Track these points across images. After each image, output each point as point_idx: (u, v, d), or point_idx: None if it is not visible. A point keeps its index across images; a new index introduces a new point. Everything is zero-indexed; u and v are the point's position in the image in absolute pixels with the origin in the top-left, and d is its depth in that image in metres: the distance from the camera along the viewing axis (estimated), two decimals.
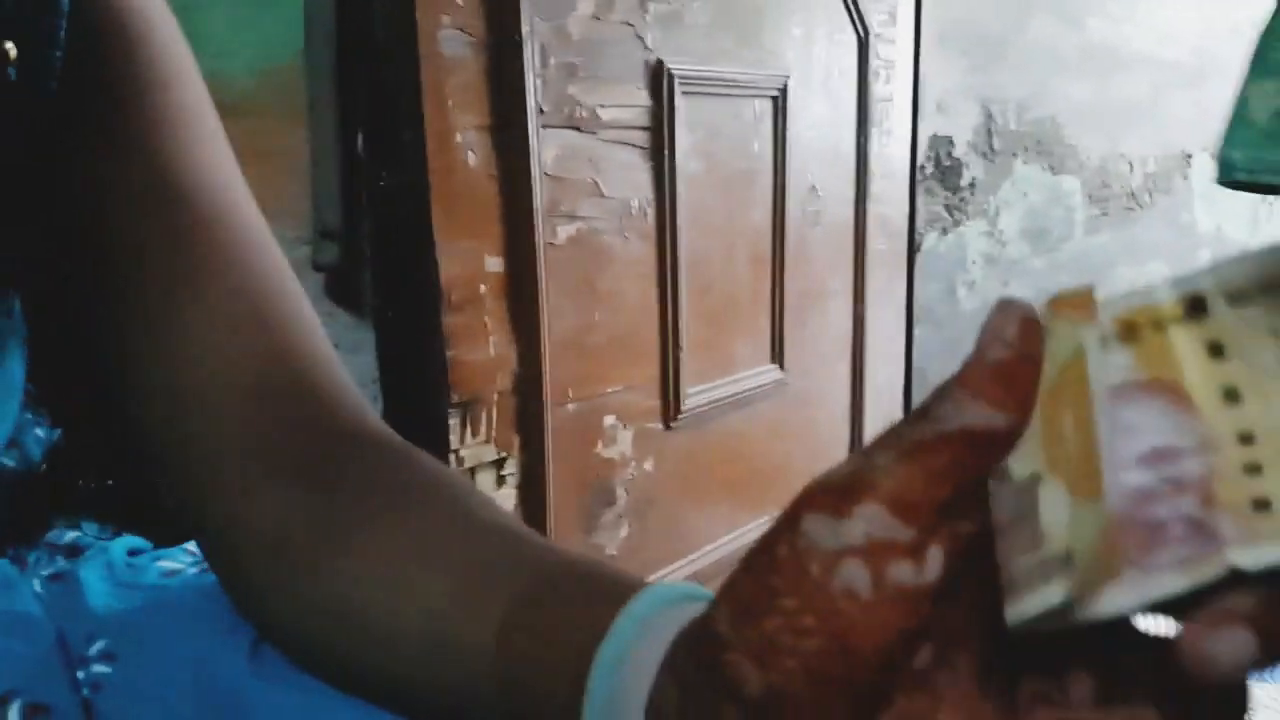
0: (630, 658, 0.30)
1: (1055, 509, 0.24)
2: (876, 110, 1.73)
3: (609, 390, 1.30)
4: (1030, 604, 0.23)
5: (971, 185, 2.17)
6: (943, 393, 0.26)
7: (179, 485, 0.44)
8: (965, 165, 2.14)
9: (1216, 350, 0.24)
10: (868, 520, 0.25)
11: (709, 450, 1.47)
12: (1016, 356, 0.25)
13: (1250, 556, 0.22)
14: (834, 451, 1.76)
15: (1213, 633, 0.21)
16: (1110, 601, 0.22)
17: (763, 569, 0.26)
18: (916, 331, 1.98)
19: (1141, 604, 0.22)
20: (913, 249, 1.95)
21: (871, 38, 1.69)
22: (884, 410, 1.88)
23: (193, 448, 0.42)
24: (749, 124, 1.47)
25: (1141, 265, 2.90)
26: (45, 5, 0.41)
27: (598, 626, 0.32)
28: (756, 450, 1.57)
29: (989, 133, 2.22)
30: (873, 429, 1.83)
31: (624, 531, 1.36)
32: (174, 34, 0.46)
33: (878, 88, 1.73)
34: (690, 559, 1.47)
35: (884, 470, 0.25)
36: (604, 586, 0.34)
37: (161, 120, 0.44)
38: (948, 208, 2.12)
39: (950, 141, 2.10)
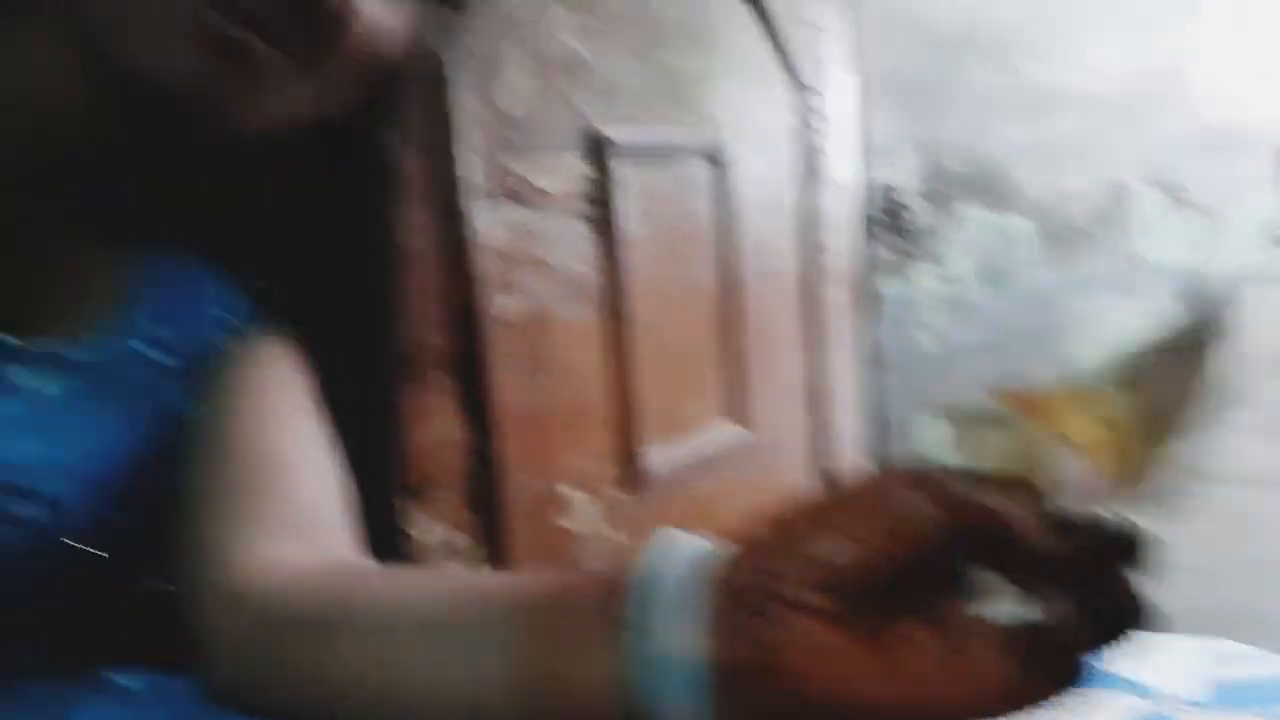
0: (660, 576, 0.33)
1: None
2: (817, 162, 1.75)
3: (567, 462, 1.28)
4: None
5: (919, 230, 2.20)
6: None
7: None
8: (911, 211, 2.17)
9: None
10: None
11: (676, 514, 1.45)
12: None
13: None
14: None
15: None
16: None
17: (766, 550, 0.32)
18: (876, 375, 1.98)
19: None
20: (868, 296, 1.95)
21: (806, 92, 1.71)
22: (851, 459, 1.87)
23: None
24: (690, 186, 1.47)
25: (1094, 299, 2.93)
26: None
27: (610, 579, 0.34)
28: (724, 510, 1.55)
29: (933, 177, 2.25)
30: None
31: None
32: None
33: (817, 140, 1.75)
34: None
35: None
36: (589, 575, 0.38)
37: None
38: (896, 253, 2.14)
39: (893, 189, 2.12)
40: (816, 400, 1.77)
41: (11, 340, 0.49)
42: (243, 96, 0.46)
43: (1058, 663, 0.30)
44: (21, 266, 0.50)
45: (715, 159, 1.51)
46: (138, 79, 0.44)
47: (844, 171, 1.86)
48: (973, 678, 0.30)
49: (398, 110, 0.59)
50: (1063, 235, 2.79)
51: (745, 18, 1.59)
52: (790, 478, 1.73)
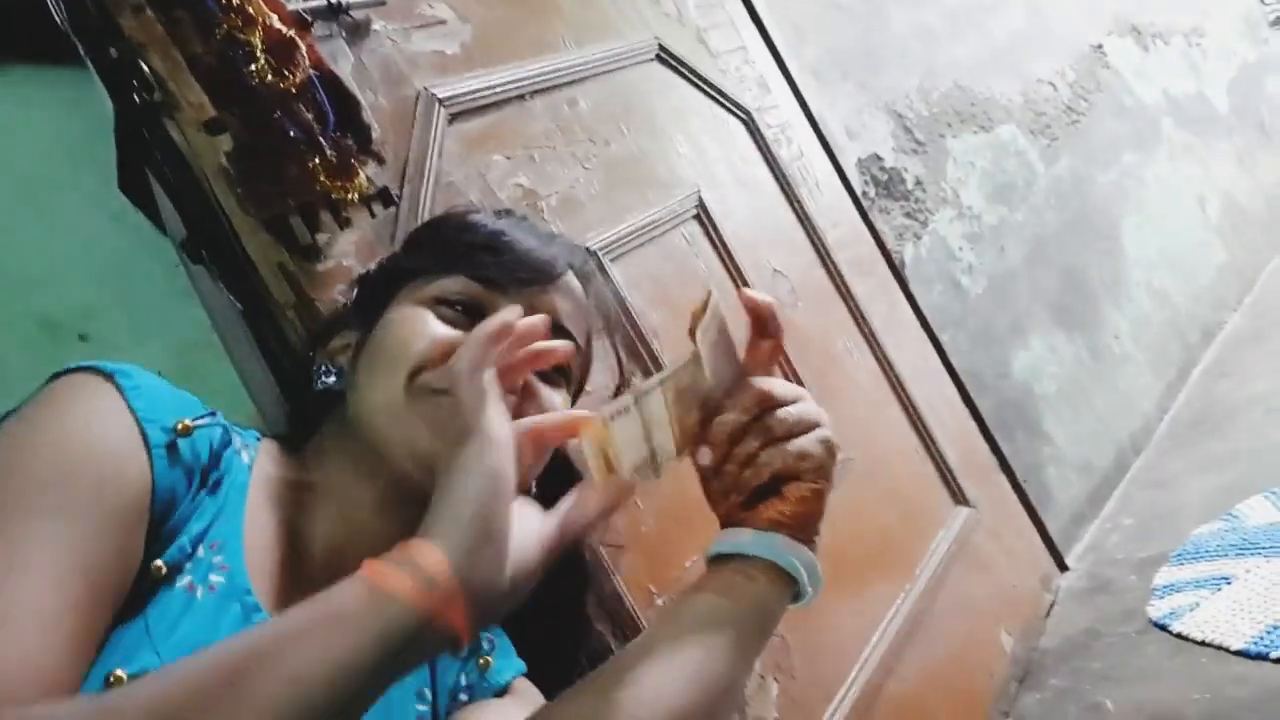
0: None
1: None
2: (793, 172, 1.74)
3: (689, 563, 1.26)
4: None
5: (918, 183, 2.16)
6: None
7: None
8: (903, 170, 2.14)
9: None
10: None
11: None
12: None
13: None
14: (929, 495, 1.70)
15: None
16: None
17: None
18: (943, 338, 1.94)
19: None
20: (897, 270, 1.92)
21: (753, 113, 1.71)
22: (957, 428, 1.82)
23: None
24: (687, 251, 1.47)
25: (1115, 162, 2.85)
26: None
27: None
28: (853, 530, 1.51)
29: (906, 130, 2.22)
30: (954, 452, 1.76)
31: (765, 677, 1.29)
32: None
33: (783, 152, 1.75)
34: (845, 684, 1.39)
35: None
36: None
37: None
38: (908, 215, 2.11)
39: (877, 157, 2.10)
40: (898, 388, 1.73)
41: None
42: None
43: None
44: None
45: (699, 215, 1.51)
46: (425, 475, 0.65)
47: (823, 168, 1.85)
48: None
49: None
50: (1056, 122, 2.73)
51: (673, 79, 1.60)
52: (905, 472, 1.68)
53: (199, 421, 0.66)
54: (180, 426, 0.64)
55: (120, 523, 0.58)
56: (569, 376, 0.77)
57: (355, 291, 0.89)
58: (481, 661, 0.74)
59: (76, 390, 0.63)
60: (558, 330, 0.76)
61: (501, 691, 0.73)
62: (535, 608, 0.78)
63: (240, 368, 1.06)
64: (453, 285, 0.74)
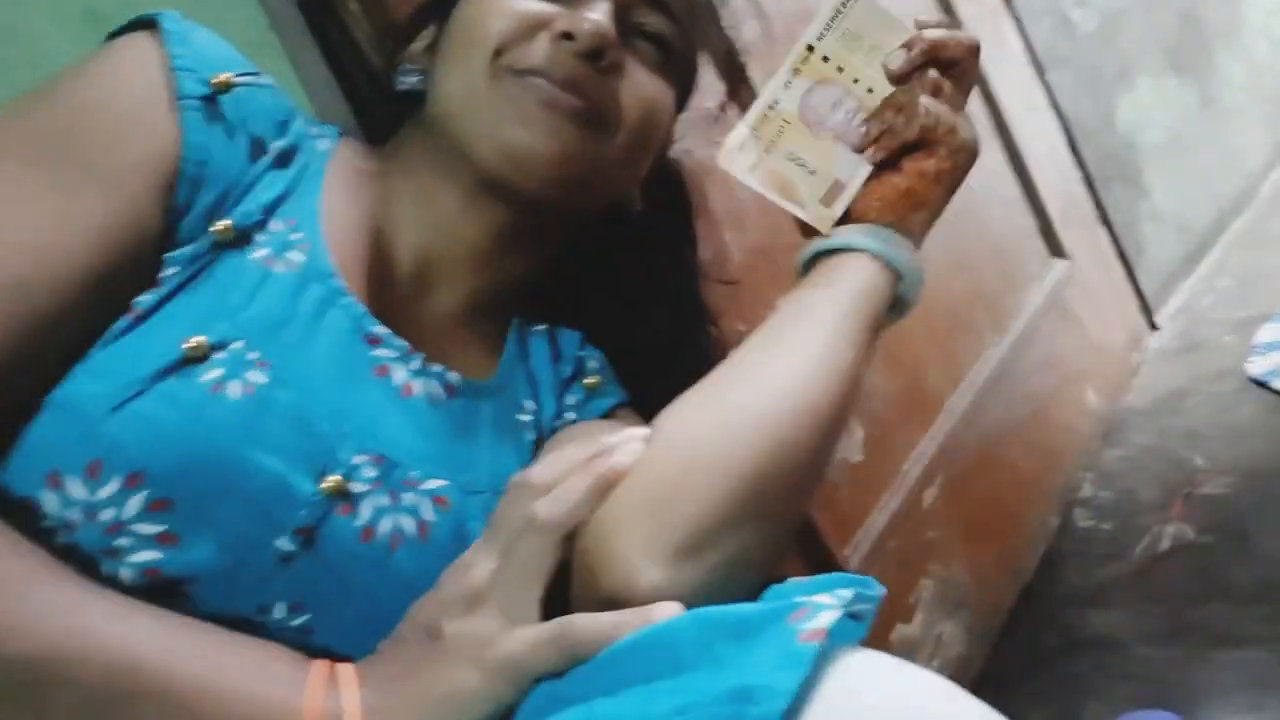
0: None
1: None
2: None
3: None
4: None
5: None
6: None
7: None
8: None
9: (827, 59, 0.62)
10: None
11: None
12: None
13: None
14: (1026, 245, 1.59)
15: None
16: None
17: None
18: (1051, 78, 1.77)
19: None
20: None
21: None
22: (1058, 176, 1.69)
23: None
24: None
25: None
26: None
27: None
28: (946, 276, 1.43)
29: None
30: (1054, 202, 1.64)
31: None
32: None
33: None
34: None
35: None
36: None
37: None
38: None
39: None
40: (1001, 126, 1.59)
41: (430, 364, 0.62)
42: (591, 147, 0.61)
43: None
44: (436, 313, 0.65)
45: None
46: (517, 173, 0.59)
47: None
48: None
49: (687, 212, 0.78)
50: None
51: None
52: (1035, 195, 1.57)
53: (244, 79, 0.58)
54: (221, 80, 0.56)
55: (133, 181, 0.52)
56: (671, 61, 0.66)
57: None
58: (589, 382, 0.69)
59: (116, 47, 0.56)
60: (655, 5, 0.64)
61: (606, 416, 0.68)
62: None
63: (300, 69, 0.96)
64: None
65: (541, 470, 0.53)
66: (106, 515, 0.46)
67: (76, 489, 0.46)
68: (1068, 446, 1.54)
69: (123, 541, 0.47)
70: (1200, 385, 1.59)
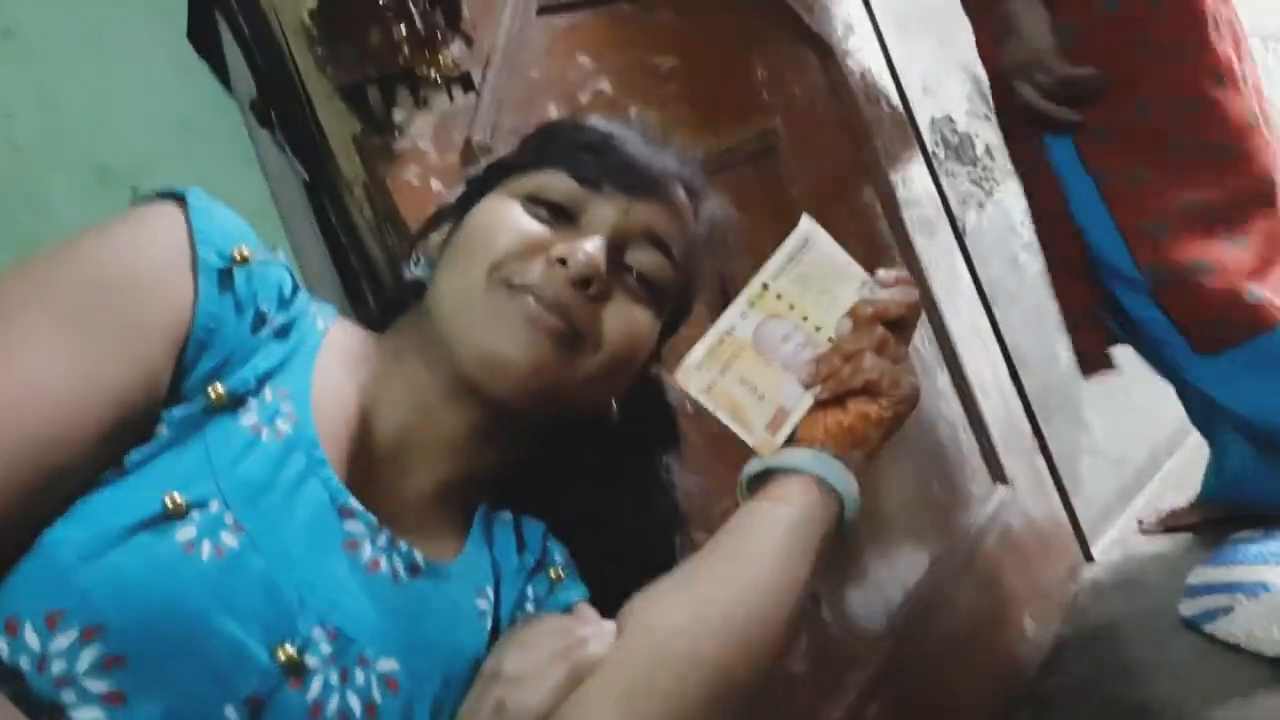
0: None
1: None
2: (868, 121, 1.67)
3: None
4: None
5: (988, 151, 2.09)
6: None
7: None
8: (974, 136, 2.07)
9: (780, 297, 0.69)
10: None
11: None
12: None
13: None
14: (969, 464, 1.65)
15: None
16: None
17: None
18: (999, 313, 1.88)
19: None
20: (957, 232, 1.86)
21: (839, 55, 1.64)
22: (1002, 405, 1.77)
23: None
24: (746, 185, 1.41)
25: None
26: None
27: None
28: (892, 490, 1.47)
29: (982, 96, 2.14)
30: (997, 429, 1.71)
31: None
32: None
33: (861, 99, 1.68)
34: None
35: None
36: None
37: None
38: (974, 182, 2.04)
39: (950, 119, 2.03)
40: (948, 356, 1.68)
41: (397, 541, 0.63)
42: (565, 366, 0.64)
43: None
44: (409, 493, 0.66)
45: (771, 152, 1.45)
46: (492, 378, 0.63)
47: (896, 118, 1.78)
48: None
49: (672, 436, 0.80)
50: None
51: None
52: (949, 439, 1.63)
53: (259, 255, 0.62)
54: (239, 254, 0.60)
55: (151, 342, 0.54)
56: (660, 296, 0.71)
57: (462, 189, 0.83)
58: (554, 574, 0.71)
59: (144, 212, 0.60)
60: (654, 243, 0.70)
61: (566, 611, 0.69)
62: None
63: (296, 243, 1.01)
64: (549, 181, 0.69)
65: (513, 660, 0.55)
66: (58, 667, 0.46)
67: (31, 637, 0.46)
68: (1007, 670, 1.55)
69: (69, 696, 0.46)
70: (1134, 621, 1.62)
